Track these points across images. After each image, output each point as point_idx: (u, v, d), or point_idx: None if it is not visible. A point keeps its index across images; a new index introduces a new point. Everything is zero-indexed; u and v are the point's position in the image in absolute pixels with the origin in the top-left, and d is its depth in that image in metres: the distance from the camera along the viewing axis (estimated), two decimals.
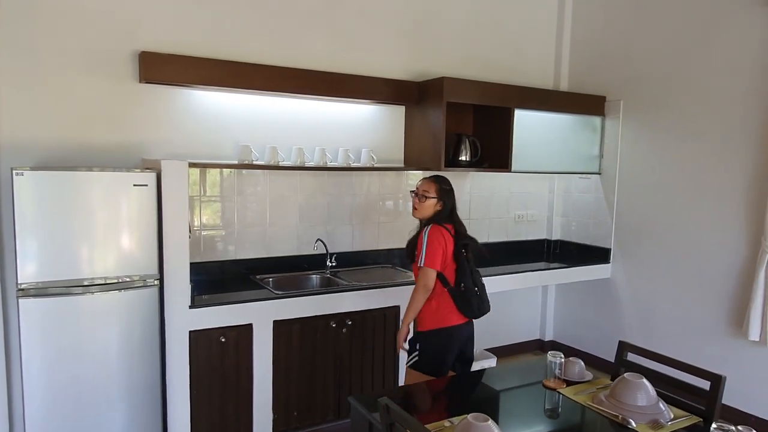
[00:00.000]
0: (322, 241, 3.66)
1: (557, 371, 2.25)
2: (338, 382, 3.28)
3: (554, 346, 4.98)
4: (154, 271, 2.67)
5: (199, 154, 3.32)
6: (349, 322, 3.26)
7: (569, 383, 2.26)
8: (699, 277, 3.83)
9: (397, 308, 3.41)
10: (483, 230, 4.56)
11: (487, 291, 2.80)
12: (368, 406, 2.00)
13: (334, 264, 3.72)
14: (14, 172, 2.32)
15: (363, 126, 3.91)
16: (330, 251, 3.72)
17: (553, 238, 4.93)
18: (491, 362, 3.92)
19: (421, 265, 2.64)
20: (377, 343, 3.38)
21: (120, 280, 2.57)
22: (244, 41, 3.41)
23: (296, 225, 3.71)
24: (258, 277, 3.46)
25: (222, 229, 3.47)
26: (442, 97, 3.68)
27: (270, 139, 3.51)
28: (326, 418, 3.28)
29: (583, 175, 4.63)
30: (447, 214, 2.76)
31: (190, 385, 2.81)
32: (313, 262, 3.73)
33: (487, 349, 4.41)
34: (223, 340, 2.89)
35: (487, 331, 4.30)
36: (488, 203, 4.58)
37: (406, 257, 2.94)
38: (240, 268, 3.51)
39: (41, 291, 2.41)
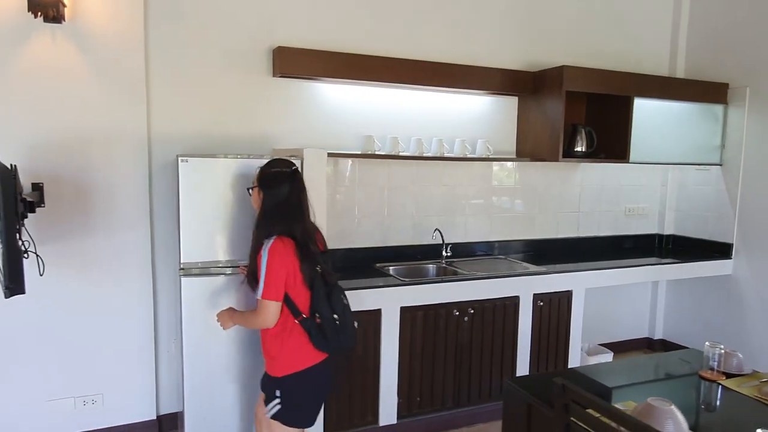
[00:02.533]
0: (439, 231, 3.70)
1: (715, 363, 2.17)
2: (458, 370, 3.31)
3: (664, 344, 4.81)
4: None
5: (323, 145, 3.43)
6: (471, 311, 3.28)
7: (728, 375, 2.18)
8: None
9: (516, 299, 3.40)
10: (593, 223, 4.46)
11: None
12: (528, 388, 2.01)
13: (449, 254, 3.75)
14: (180, 159, 2.49)
15: (475, 117, 3.92)
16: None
17: (666, 232, 4.74)
18: (608, 357, 3.82)
19: (258, 296, 2.05)
20: (497, 332, 3.38)
21: None
22: (367, 35, 3.50)
23: (412, 215, 3.77)
24: (378, 265, 3.54)
25: (343, 218, 3.57)
26: (561, 86, 3.63)
27: (388, 130, 3.59)
28: (446, 405, 3.32)
29: (701, 167, 4.43)
30: (277, 213, 2.10)
31: None
32: (427, 252, 3.78)
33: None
34: (355, 324, 2.97)
35: (593, 327, 4.22)
36: (598, 196, 4.47)
37: (248, 282, 2.25)
38: (359, 256, 3.60)
39: (201, 270, 2.58)
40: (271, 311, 2.06)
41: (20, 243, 1.97)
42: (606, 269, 3.76)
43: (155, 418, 3.16)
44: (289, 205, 2.13)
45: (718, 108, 4.25)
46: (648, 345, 4.86)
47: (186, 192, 2.53)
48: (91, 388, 3.00)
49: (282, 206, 2.12)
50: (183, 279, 2.56)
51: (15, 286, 1.91)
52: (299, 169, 2.24)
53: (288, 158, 2.64)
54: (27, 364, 2.86)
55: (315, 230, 2.23)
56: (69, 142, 2.82)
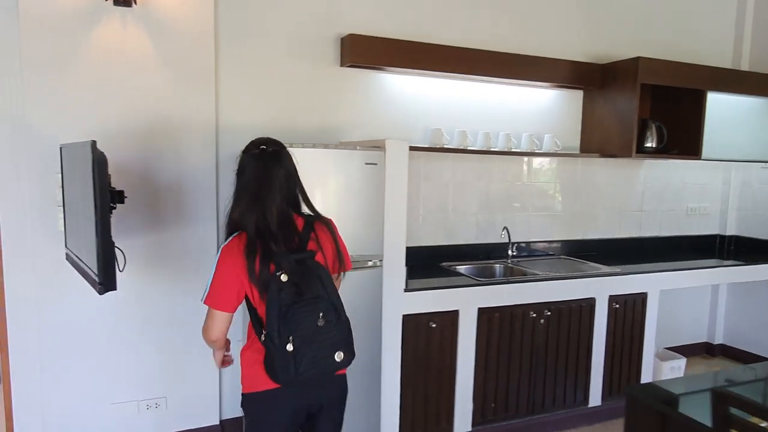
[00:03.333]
0: (507, 230, 3.54)
1: None
2: (533, 374, 3.16)
3: (724, 350, 4.63)
4: (380, 251, 2.65)
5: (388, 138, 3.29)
6: (548, 313, 3.13)
7: None
8: None
9: (592, 300, 3.25)
10: (654, 223, 4.30)
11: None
12: (656, 398, 1.85)
13: (515, 253, 3.60)
14: None
15: (540, 112, 3.77)
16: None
17: (727, 233, 4.57)
18: (681, 362, 3.65)
19: (202, 300, 1.70)
20: (572, 335, 3.23)
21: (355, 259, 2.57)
22: (433, 23, 3.36)
23: (476, 212, 3.62)
24: (444, 264, 3.40)
25: (408, 215, 3.42)
26: (636, 78, 3.47)
27: (453, 124, 3.44)
28: (520, 413, 3.16)
29: (767, 165, 4.26)
30: (236, 203, 1.73)
31: (402, 368, 2.78)
32: (490, 251, 3.63)
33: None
34: (433, 325, 2.83)
35: None
36: (661, 194, 4.31)
37: None
38: (424, 254, 3.45)
39: None
40: (214, 320, 1.69)
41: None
42: (681, 270, 3.59)
43: (218, 423, 3.02)
44: (248, 194, 1.70)
45: None
46: (707, 350, 4.68)
47: None
48: (155, 391, 2.86)
49: (242, 195, 1.72)
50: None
51: (108, 281, 1.76)
52: (284, 151, 1.79)
53: (375, 149, 2.51)
54: (94, 365, 2.72)
55: (289, 223, 1.70)
56: (137, 131, 2.69)
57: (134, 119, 2.68)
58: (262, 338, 1.64)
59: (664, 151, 3.82)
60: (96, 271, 1.76)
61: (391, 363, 2.75)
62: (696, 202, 4.47)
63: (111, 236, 1.79)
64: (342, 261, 1.84)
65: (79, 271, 2.10)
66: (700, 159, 3.76)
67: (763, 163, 4.24)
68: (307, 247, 1.71)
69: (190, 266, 2.85)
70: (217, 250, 1.74)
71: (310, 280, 1.66)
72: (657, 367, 3.56)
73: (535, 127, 3.72)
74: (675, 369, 3.62)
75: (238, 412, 3.09)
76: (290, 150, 2.16)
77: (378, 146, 2.60)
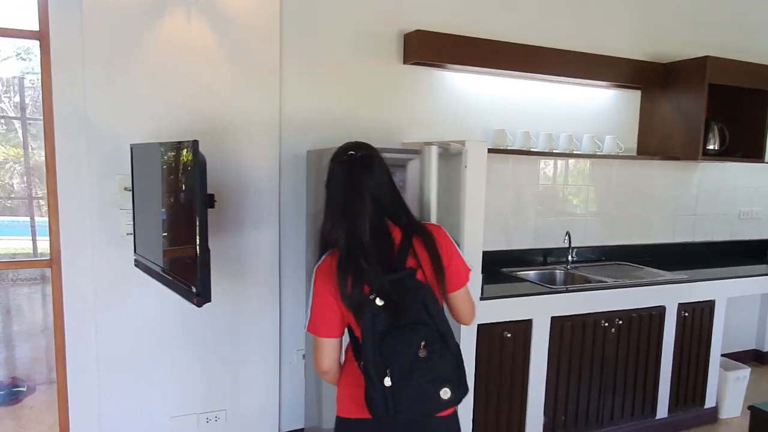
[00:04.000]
0: (569, 235, 3.42)
1: None
2: (603, 387, 3.03)
3: None
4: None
5: (449, 139, 3.16)
6: (619, 322, 3.00)
7: None
8: None
9: (662, 308, 3.12)
10: (708, 227, 4.18)
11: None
12: None
13: (575, 258, 3.47)
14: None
15: (597, 112, 3.64)
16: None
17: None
18: (745, 372, 3.53)
19: (305, 329, 1.56)
20: (642, 345, 3.10)
21: None
22: (494, 20, 3.21)
23: (534, 216, 3.50)
24: (504, 270, 3.27)
25: None
26: (704, 78, 3.35)
27: (514, 124, 3.32)
28: (590, 425, 3.04)
29: None
30: (327, 218, 1.56)
31: (475, 379, 2.65)
32: (547, 256, 3.51)
33: None
34: (508, 335, 2.71)
35: None
36: (714, 198, 4.18)
37: None
38: (484, 260, 3.31)
39: None
40: (320, 349, 1.51)
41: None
42: (748, 277, 3.47)
43: None
44: (337, 205, 1.54)
45: None
46: (756, 357, 4.57)
47: None
48: (215, 403, 2.72)
49: (330, 207, 1.56)
50: None
51: (206, 293, 1.63)
52: (375, 156, 1.58)
53: (417, 148, 2.38)
54: (153, 377, 2.59)
55: (385, 237, 1.52)
56: (199, 128, 2.55)
57: (197, 116, 2.55)
58: (361, 365, 1.46)
59: (726, 153, 3.70)
60: (195, 281, 1.62)
61: (469, 371, 2.61)
62: (748, 206, 4.36)
63: (208, 243, 1.66)
64: (441, 277, 1.53)
65: (160, 280, 1.96)
66: (763, 162, 3.64)
67: None
68: (405, 264, 1.50)
69: (250, 274, 2.72)
70: (310, 272, 1.58)
71: (409, 303, 1.43)
72: (722, 378, 3.44)
73: (592, 128, 3.59)
74: (741, 379, 3.49)
75: (298, 424, 2.97)
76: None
77: (459, 147, 2.46)
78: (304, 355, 2.95)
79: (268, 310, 2.77)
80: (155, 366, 2.58)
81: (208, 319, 2.64)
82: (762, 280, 3.51)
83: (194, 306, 2.42)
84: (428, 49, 2.92)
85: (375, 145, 1.62)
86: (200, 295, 1.60)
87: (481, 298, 2.62)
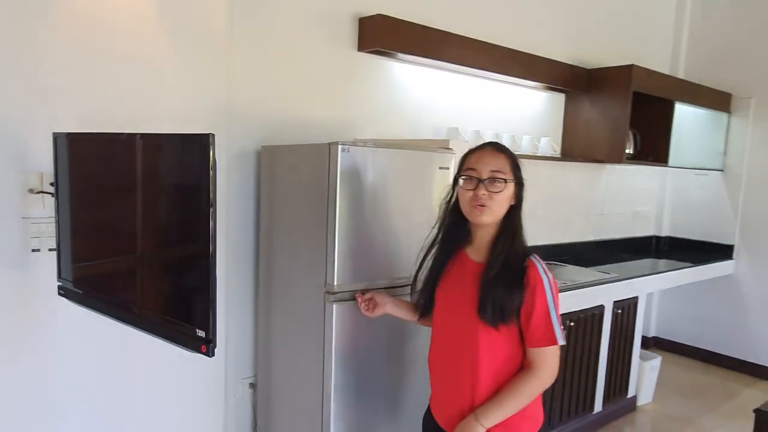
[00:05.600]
0: None
1: None
2: (553, 389, 3.04)
3: (657, 342, 4.99)
4: None
5: (402, 136, 2.95)
6: (571, 323, 3.02)
7: None
8: None
9: (602, 307, 3.22)
10: (610, 226, 4.45)
11: None
12: None
13: None
14: (340, 147, 1.87)
15: (528, 114, 3.67)
16: None
17: (663, 234, 4.91)
18: (657, 361, 3.80)
19: (559, 341, 1.46)
20: (585, 345, 3.17)
21: None
22: (446, 12, 3.05)
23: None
24: None
25: None
26: (628, 86, 3.51)
27: (459, 123, 3.18)
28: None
29: (701, 172, 4.63)
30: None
31: None
32: None
33: None
34: None
35: None
36: (615, 198, 4.47)
37: (490, 315, 1.46)
38: None
39: (352, 294, 1.98)
40: (558, 357, 1.49)
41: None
42: (667, 272, 3.76)
43: None
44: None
45: (724, 116, 4.46)
46: (641, 343, 5.00)
47: (344, 192, 1.91)
48: None
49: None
50: (335, 306, 1.94)
51: (215, 336, 1.23)
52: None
53: (446, 150, 2.17)
54: (72, 426, 2.01)
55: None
56: (127, 116, 2.02)
57: (129, 101, 2.02)
58: None
59: (638, 157, 3.95)
60: (200, 322, 1.21)
61: None
62: (640, 206, 4.74)
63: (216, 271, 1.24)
64: None
65: (128, 321, 1.47)
66: (667, 166, 3.94)
67: (699, 170, 4.61)
68: None
69: None
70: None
71: None
72: (641, 368, 3.67)
73: (524, 129, 3.60)
74: (654, 368, 3.76)
75: None
76: (347, 149, 1.88)
77: (443, 147, 2.24)
78: (251, 384, 2.53)
79: None
80: (76, 411, 2.01)
81: (135, 357, 2.11)
82: (676, 274, 3.81)
83: (125, 335, 1.95)
84: (388, 36, 2.66)
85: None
86: (211, 341, 1.19)
87: None
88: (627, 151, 3.85)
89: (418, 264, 1.72)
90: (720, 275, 4.46)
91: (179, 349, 1.39)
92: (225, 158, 2.29)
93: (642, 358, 3.73)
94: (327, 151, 1.90)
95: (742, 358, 4.45)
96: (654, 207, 4.90)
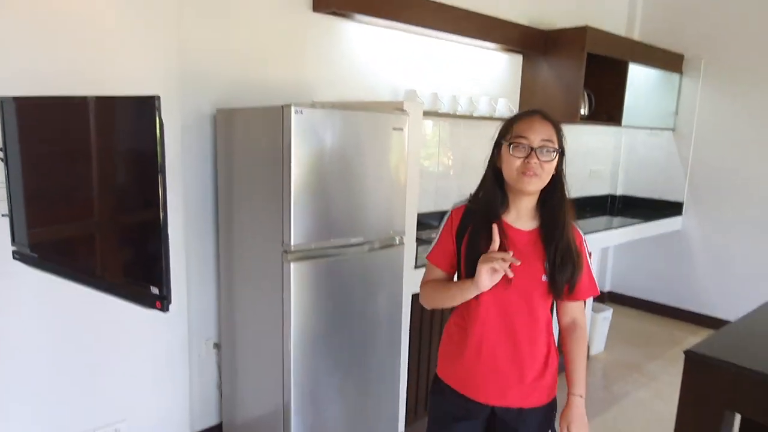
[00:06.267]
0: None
1: None
2: None
3: (612, 296, 5.23)
4: (403, 228, 2.37)
5: (360, 98, 2.97)
6: None
7: None
8: None
9: None
10: (569, 185, 4.58)
11: None
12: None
13: None
14: (293, 109, 1.89)
15: (485, 75, 3.71)
16: None
17: (618, 193, 5.09)
18: (609, 313, 4.01)
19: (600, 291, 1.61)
20: None
21: (377, 239, 2.26)
22: None
23: (435, 179, 3.49)
24: None
25: None
26: (583, 48, 3.58)
27: (414, 85, 3.21)
28: None
29: (653, 131, 4.79)
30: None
31: (409, 344, 2.58)
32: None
33: None
34: None
35: None
36: (572, 158, 4.58)
37: (561, 287, 1.49)
38: None
39: (311, 253, 2.04)
40: None
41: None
42: (619, 228, 3.92)
43: None
44: None
45: (675, 76, 4.60)
46: (597, 298, 5.24)
47: (298, 154, 1.94)
48: (110, 416, 2.26)
49: None
50: (293, 264, 2.00)
51: (170, 291, 1.27)
52: None
53: (399, 111, 2.22)
54: (29, 399, 2.04)
55: None
56: (80, 79, 1.99)
57: (74, 64, 1.99)
58: None
59: (591, 117, 4.05)
60: (155, 279, 1.25)
61: (404, 343, 2.53)
62: (596, 165, 4.88)
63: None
64: None
65: (83, 281, 1.49)
66: (621, 126, 4.06)
67: (651, 130, 4.76)
68: None
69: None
70: None
71: None
72: (593, 320, 3.86)
73: (477, 90, 3.64)
74: (606, 319, 3.96)
75: (212, 420, 2.64)
76: (301, 111, 1.88)
77: (398, 108, 2.28)
78: (215, 344, 2.59)
79: (173, 300, 2.34)
80: (30, 386, 2.04)
81: (96, 317, 2.14)
82: (627, 230, 3.99)
83: (74, 300, 1.97)
84: None
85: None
86: (166, 297, 1.24)
87: (416, 267, 2.53)
88: (582, 111, 3.95)
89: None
90: (669, 231, 4.68)
91: (138, 307, 1.44)
92: (180, 121, 2.29)
93: (594, 310, 3.93)
94: (281, 113, 1.92)
95: (688, 308, 4.71)
96: (609, 166, 5.06)
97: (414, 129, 2.35)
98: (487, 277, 1.38)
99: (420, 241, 3.09)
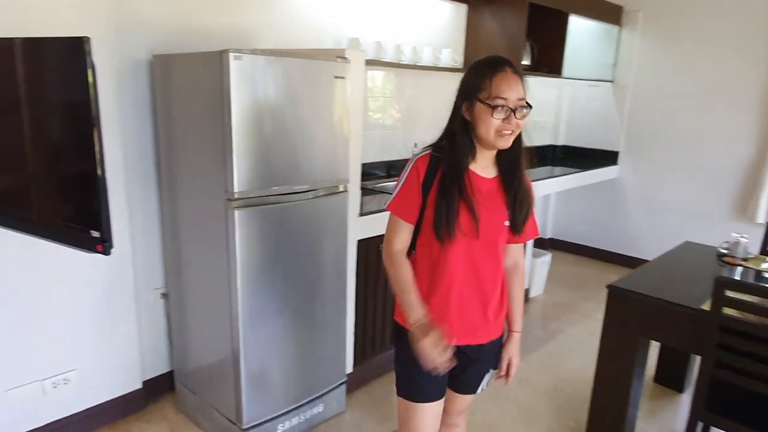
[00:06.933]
0: (416, 146, 3.53)
1: (739, 251, 2.57)
2: None
3: (553, 243, 5.49)
4: (347, 175, 2.42)
5: (302, 47, 2.94)
6: None
7: (743, 259, 2.60)
8: (708, 172, 4.44)
9: None
10: None
11: None
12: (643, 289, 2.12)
13: None
14: (232, 55, 1.87)
15: (429, 24, 3.72)
16: None
17: (559, 143, 5.27)
18: (548, 258, 4.23)
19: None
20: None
21: (322, 187, 2.30)
22: None
23: (381, 129, 3.52)
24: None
25: None
26: None
27: (358, 33, 3.20)
28: None
29: (593, 83, 4.95)
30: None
31: (356, 289, 2.67)
32: (389, 167, 3.61)
33: None
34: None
35: None
36: None
37: (521, 228, 1.59)
38: None
39: (255, 201, 2.06)
40: None
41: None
42: (558, 177, 4.09)
43: (141, 386, 2.56)
44: None
45: (614, 29, 4.73)
46: (539, 244, 5.48)
47: (238, 101, 1.94)
48: (60, 365, 2.27)
49: None
50: (237, 212, 2.02)
51: (110, 235, 1.29)
52: None
53: (341, 59, 2.23)
54: None
55: None
56: (6, 20, 1.91)
57: None
58: None
59: (535, 69, 4.15)
60: (94, 222, 1.26)
61: (349, 286, 2.62)
62: (539, 116, 5.02)
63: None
64: None
65: (21, 228, 1.48)
66: (561, 77, 4.18)
67: (592, 82, 4.91)
68: None
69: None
70: None
71: None
72: (533, 264, 4.07)
73: (421, 39, 3.65)
74: (545, 263, 4.18)
75: (164, 367, 2.69)
76: (240, 57, 1.86)
77: (340, 56, 2.29)
78: (163, 294, 2.61)
79: (116, 248, 2.32)
80: None
81: (40, 267, 2.12)
82: (566, 179, 4.17)
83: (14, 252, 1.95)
84: None
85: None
86: (107, 240, 1.26)
87: (360, 214, 2.59)
88: (524, 62, 4.04)
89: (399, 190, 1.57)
90: (606, 179, 4.91)
91: (82, 256, 1.44)
92: (115, 67, 2.22)
93: (534, 255, 4.13)
94: (219, 59, 1.90)
95: (622, 252, 5.01)
96: (551, 117, 5.21)
97: (356, 77, 2.37)
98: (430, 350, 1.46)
99: (365, 190, 3.16)
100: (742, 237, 2.58)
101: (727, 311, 1.87)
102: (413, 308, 1.51)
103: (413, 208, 1.54)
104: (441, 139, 1.58)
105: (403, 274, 1.55)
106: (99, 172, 1.20)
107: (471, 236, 1.50)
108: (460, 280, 1.55)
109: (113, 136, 2.22)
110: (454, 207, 1.48)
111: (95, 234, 1.26)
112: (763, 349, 1.77)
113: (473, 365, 1.67)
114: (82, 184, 1.30)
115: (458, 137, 1.51)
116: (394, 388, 1.71)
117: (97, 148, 1.18)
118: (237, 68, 1.90)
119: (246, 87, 1.95)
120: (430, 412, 1.65)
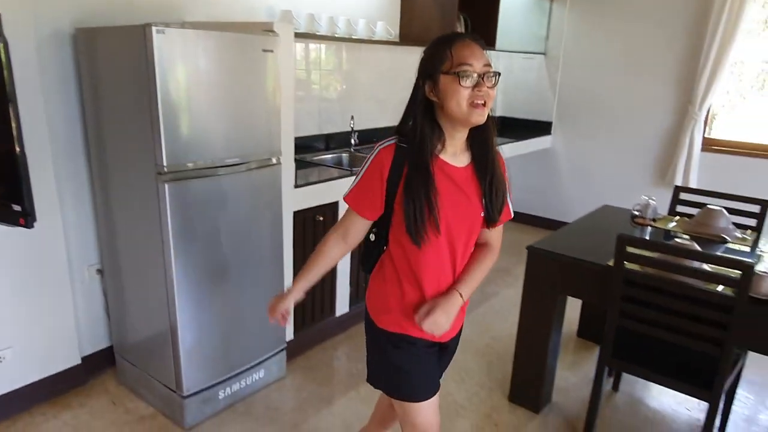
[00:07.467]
0: (353, 118, 3.59)
1: (649, 212, 2.78)
2: None
3: None
4: (280, 148, 2.46)
5: (234, 19, 2.93)
6: None
7: (653, 220, 2.82)
8: (632, 140, 4.71)
9: None
10: None
11: None
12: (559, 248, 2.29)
13: (356, 142, 3.70)
14: (155, 29, 1.88)
15: None
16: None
17: (497, 114, 5.43)
18: None
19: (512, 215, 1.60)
20: None
21: (254, 159, 2.33)
22: None
23: (318, 102, 3.56)
24: (297, 156, 3.32)
25: None
26: None
27: (290, 4, 3.20)
28: None
29: (527, 55, 5.11)
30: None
31: (293, 260, 2.75)
32: (329, 140, 3.66)
33: None
34: (320, 219, 2.83)
35: None
36: None
37: (496, 217, 1.52)
38: None
39: (185, 174, 2.09)
40: None
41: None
42: (500, 146, 4.21)
43: (80, 361, 2.58)
44: None
45: (545, 2, 4.88)
46: None
47: (163, 75, 1.95)
48: None
49: None
50: (167, 185, 2.05)
51: (32, 209, 1.32)
52: None
53: (270, 33, 2.26)
54: None
55: None
56: None
57: None
58: None
59: None
60: (16, 196, 1.29)
61: (288, 259, 2.69)
62: None
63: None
64: None
65: None
66: (495, 50, 4.30)
67: (526, 54, 5.07)
68: None
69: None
70: None
71: None
72: None
73: (355, 12, 3.67)
74: None
75: (102, 343, 2.70)
76: (163, 30, 1.85)
77: (267, 30, 2.31)
78: (98, 270, 2.61)
79: (46, 225, 2.31)
80: None
81: None
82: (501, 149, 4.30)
83: None
84: None
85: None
86: (30, 214, 1.29)
87: (296, 186, 2.66)
88: None
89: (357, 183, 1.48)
90: (540, 149, 5.12)
91: (10, 231, 1.45)
92: (34, 41, 2.16)
93: None
94: (142, 32, 1.90)
95: (557, 218, 5.26)
96: None
97: (285, 51, 2.40)
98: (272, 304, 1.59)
99: (303, 163, 3.21)
100: (651, 199, 2.79)
101: (630, 266, 2.06)
102: (298, 280, 1.57)
103: (372, 204, 1.44)
104: (402, 126, 1.45)
105: (322, 255, 1.53)
106: (18, 148, 1.22)
107: (446, 235, 1.43)
108: (439, 277, 1.49)
109: (35, 111, 2.16)
110: (424, 209, 1.37)
111: (16, 208, 1.28)
112: (661, 299, 1.97)
113: (449, 354, 1.69)
114: (1, 160, 1.31)
115: (421, 121, 1.39)
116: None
117: (14, 124, 1.19)
118: (161, 42, 1.91)
119: (171, 61, 1.96)
120: (434, 405, 1.60)
